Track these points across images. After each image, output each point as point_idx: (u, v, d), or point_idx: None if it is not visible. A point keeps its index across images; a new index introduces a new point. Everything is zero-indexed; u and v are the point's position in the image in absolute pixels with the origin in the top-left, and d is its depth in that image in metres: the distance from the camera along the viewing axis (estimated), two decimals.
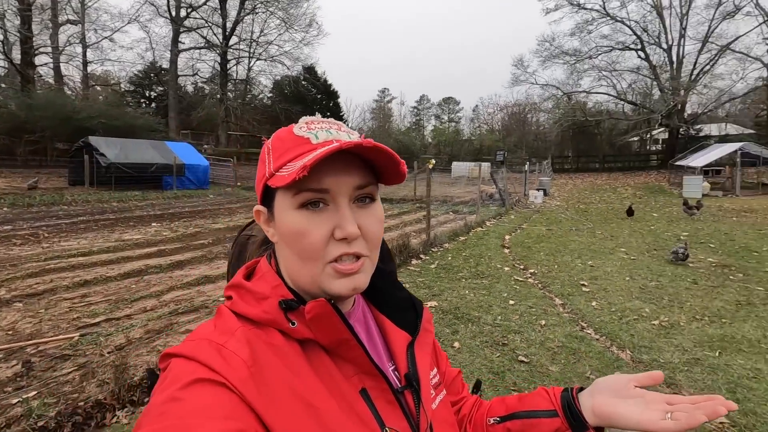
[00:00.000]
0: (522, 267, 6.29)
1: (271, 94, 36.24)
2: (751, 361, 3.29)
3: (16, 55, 23.53)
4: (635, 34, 28.11)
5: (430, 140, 48.94)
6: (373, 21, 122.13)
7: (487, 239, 8.23)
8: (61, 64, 26.64)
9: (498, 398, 0.74)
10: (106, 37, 28.47)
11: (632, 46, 28.59)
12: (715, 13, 25.89)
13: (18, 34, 22.82)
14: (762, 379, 3.03)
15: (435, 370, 0.65)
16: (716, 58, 26.31)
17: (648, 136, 30.79)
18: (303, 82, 35.16)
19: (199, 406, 0.41)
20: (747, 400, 2.76)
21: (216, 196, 15.71)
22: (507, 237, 8.55)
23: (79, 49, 27.81)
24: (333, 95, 35.82)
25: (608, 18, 28.46)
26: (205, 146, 28.08)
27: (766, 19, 24.91)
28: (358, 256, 0.52)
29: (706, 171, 16.91)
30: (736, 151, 16.00)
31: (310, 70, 35.28)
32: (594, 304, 4.65)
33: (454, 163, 27.39)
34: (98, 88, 32.20)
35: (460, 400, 0.74)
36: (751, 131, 25.88)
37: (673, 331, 3.90)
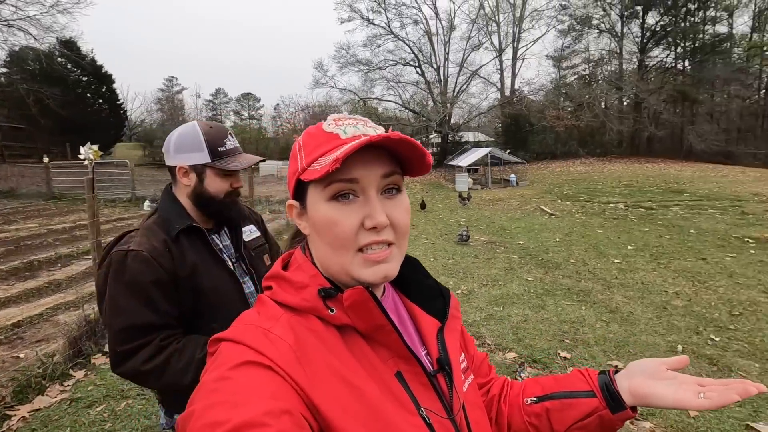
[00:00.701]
0: None
1: (5, 69, 27.49)
2: (521, 310, 4.48)
3: None
4: (413, 52, 33.03)
5: None
6: (164, 4, 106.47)
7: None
8: None
9: (531, 379, 0.76)
10: None
11: (412, 63, 33.49)
12: (466, 44, 32.79)
13: None
14: (529, 321, 4.17)
15: (463, 354, 0.68)
16: (469, 80, 33.40)
17: (427, 140, 36.71)
18: (59, 59, 27.93)
19: (248, 385, 0.44)
20: (524, 338, 3.77)
21: None
22: None
23: None
24: (105, 79, 29.57)
25: (392, 36, 32.56)
26: None
27: (497, 54, 33.04)
28: (387, 244, 0.54)
29: (469, 169, 21.34)
30: (487, 155, 20.79)
31: (69, 45, 28.25)
32: None
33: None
34: None
35: (488, 381, 0.77)
36: (493, 139, 34.02)
37: (471, 297, 4.94)
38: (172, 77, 50.95)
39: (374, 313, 0.54)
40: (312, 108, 41.52)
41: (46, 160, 14.23)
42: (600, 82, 33.47)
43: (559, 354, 3.42)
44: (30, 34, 25.84)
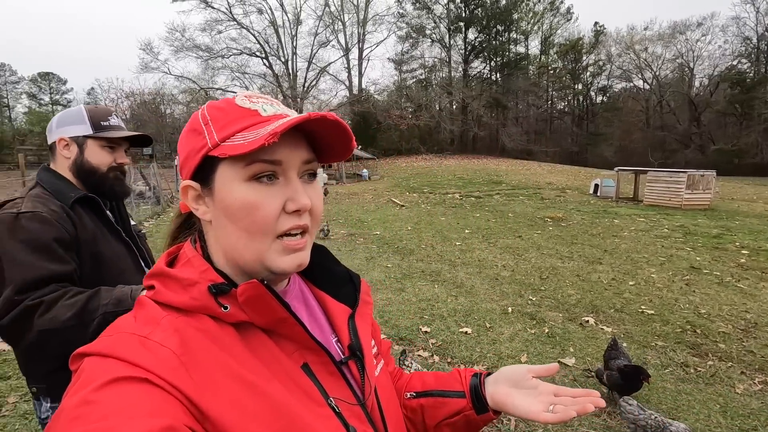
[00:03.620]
0: None
1: None
2: (385, 294, 4.80)
3: None
4: (259, 43, 31.63)
5: (24, 125, 37.00)
6: None
7: (153, 242, 7.43)
8: None
9: (417, 374, 0.79)
10: None
11: (258, 53, 32.05)
12: (314, 40, 32.94)
13: None
14: (393, 303, 4.51)
15: (373, 341, 0.67)
16: (318, 76, 33.69)
17: None
18: None
19: (119, 406, 0.38)
20: (390, 319, 4.06)
21: None
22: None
23: None
24: None
25: (235, 23, 30.55)
26: None
27: (343, 54, 34.06)
28: (305, 231, 0.52)
29: (323, 164, 21.64)
30: None
31: None
32: None
33: None
34: None
35: (393, 372, 0.77)
36: None
37: None
38: None
39: (273, 307, 0.51)
40: (141, 95, 36.16)
41: None
42: (434, 86, 37.63)
43: (420, 329, 3.80)
44: None
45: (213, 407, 0.43)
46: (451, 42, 37.54)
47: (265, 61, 32.31)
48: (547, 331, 3.75)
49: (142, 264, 1.35)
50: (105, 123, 1.28)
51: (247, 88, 32.74)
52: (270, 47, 32.11)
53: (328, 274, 0.67)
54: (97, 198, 1.26)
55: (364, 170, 21.23)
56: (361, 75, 35.54)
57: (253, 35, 31.35)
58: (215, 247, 0.54)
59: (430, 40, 37.38)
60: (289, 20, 32.16)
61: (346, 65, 35.06)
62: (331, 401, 0.53)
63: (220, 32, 30.54)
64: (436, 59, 38.33)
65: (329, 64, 34.02)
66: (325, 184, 17.89)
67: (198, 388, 0.43)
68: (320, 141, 0.55)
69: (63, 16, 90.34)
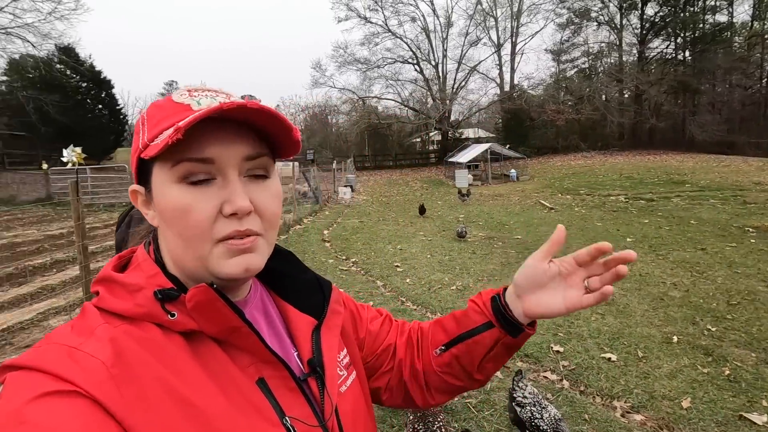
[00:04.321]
0: (344, 257, 6.73)
1: (5, 78, 27.66)
2: None
3: None
4: (411, 50, 32.98)
5: None
6: (164, 8, 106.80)
7: (308, 236, 8.44)
8: None
9: (435, 324, 0.73)
10: None
11: (410, 60, 33.45)
12: (464, 40, 32.72)
13: None
14: None
15: (344, 350, 0.63)
16: (468, 76, 33.33)
17: (427, 137, 36.66)
18: (57, 66, 28.08)
19: (45, 425, 0.35)
20: None
21: None
22: (326, 231, 8.96)
23: None
24: (104, 84, 29.67)
25: (390, 34, 32.51)
26: None
27: (495, 50, 32.93)
28: (248, 235, 0.47)
29: (469, 165, 21.28)
30: (486, 150, 20.72)
31: (67, 52, 28.39)
32: (408, 280, 5.38)
33: None
34: None
35: (389, 347, 0.72)
36: (493, 135, 33.95)
37: (466, 292, 4.89)
38: (172, 81, 51.11)
39: (225, 315, 0.46)
40: (312, 108, 41.55)
41: (45, 166, 14.32)
42: (600, 74, 33.32)
43: (552, 348, 3.37)
44: (28, 41, 26.02)
45: (142, 426, 0.39)
46: (623, 22, 32.67)
47: (416, 66, 33.51)
48: (728, 372, 2.91)
49: None
50: None
51: (399, 94, 34.50)
52: (421, 53, 33.15)
53: (293, 283, 0.62)
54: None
55: (512, 170, 20.11)
56: (513, 70, 33.82)
57: (406, 43, 32.84)
58: (165, 252, 0.51)
59: (596, 24, 33.24)
60: (440, 24, 32.68)
61: (497, 62, 33.84)
62: (286, 421, 0.48)
63: (376, 44, 32.91)
64: (602, 44, 33.92)
65: (479, 62, 33.34)
66: (469, 184, 17.59)
67: (126, 405, 0.39)
68: (267, 133, 0.49)
69: (251, 49, 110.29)
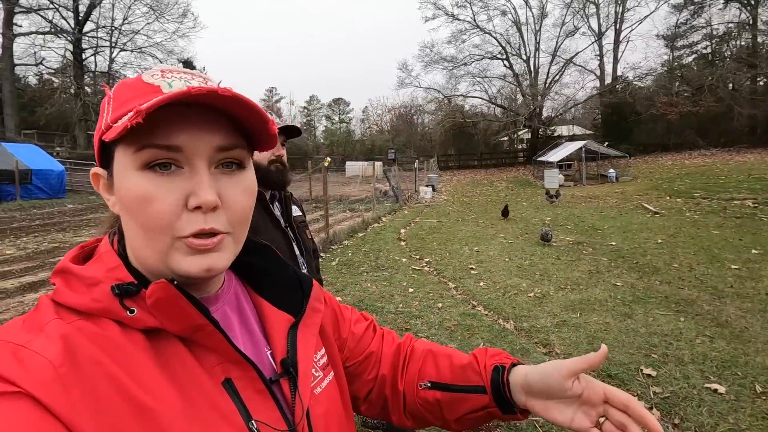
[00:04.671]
0: (418, 257, 6.67)
1: None
2: (602, 317, 3.98)
3: None
4: (501, 45, 31.70)
5: (322, 141, 48.76)
6: (261, 18, 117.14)
7: (385, 234, 8.53)
8: None
9: (428, 353, 0.69)
10: None
11: (499, 55, 32.19)
12: (560, 31, 30.57)
13: None
14: (610, 330, 3.69)
15: (322, 350, 0.60)
16: (563, 69, 31.08)
17: (515, 135, 34.98)
18: None
19: None
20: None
21: (76, 206, 13.55)
22: (402, 230, 8.97)
23: None
24: None
25: (478, 29, 31.61)
26: (58, 148, 24.04)
27: (596, 39, 30.20)
28: (214, 234, 0.44)
29: (560, 165, 19.82)
30: (581, 148, 19.10)
31: (187, 65, 32.39)
32: (482, 284, 5.15)
33: (348, 163, 27.76)
34: None
35: (369, 356, 0.69)
36: (590, 132, 31.18)
37: (545, 300, 4.52)
38: (272, 88, 55.60)
39: (187, 312, 0.44)
40: (397, 109, 42.13)
41: None
42: (727, 60, 28.72)
43: (641, 370, 2.95)
44: (157, 58, 30.20)
45: (88, 430, 0.36)
46: None
47: (505, 62, 32.15)
48: None
49: (296, 251, 1.51)
50: None
51: (486, 91, 33.40)
52: (511, 47, 31.71)
53: (271, 279, 0.58)
54: (263, 192, 1.45)
55: (611, 170, 18.27)
56: (616, 61, 30.71)
57: (495, 38, 31.66)
58: (126, 243, 0.48)
59: (722, 2, 28.74)
60: (533, 15, 30.95)
61: (596, 52, 31.01)
62: (252, 425, 0.45)
63: (463, 41, 32.24)
64: (730, 24, 29.20)
65: (576, 54, 30.86)
66: (560, 185, 16.38)
67: (73, 406, 0.36)
68: (243, 124, 0.46)
69: (341, 53, 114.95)
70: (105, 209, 0.51)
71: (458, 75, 33.05)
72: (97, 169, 0.48)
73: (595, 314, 4.07)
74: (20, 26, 25.62)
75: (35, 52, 27.22)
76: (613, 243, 7.06)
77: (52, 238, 8.12)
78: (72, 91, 27.31)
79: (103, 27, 28.66)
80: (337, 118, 58.36)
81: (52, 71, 29.28)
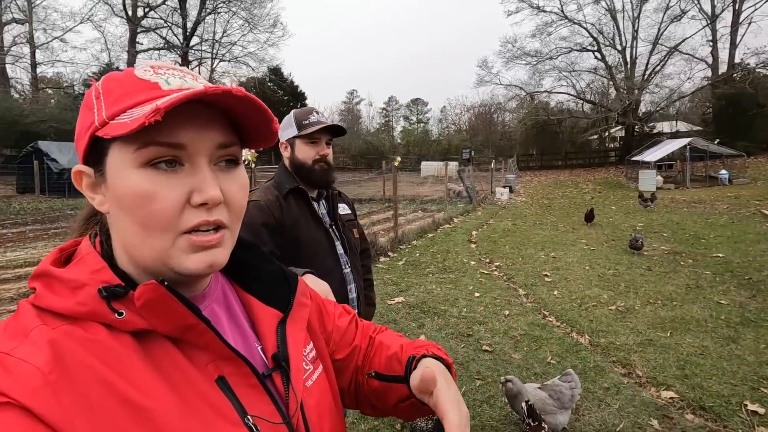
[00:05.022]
0: (488, 260, 6.41)
1: None
2: (699, 339, 3.47)
3: None
4: (591, 36, 29.27)
5: (399, 141, 49.25)
6: (342, 23, 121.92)
7: (455, 235, 8.34)
8: (6, 66, 25.10)
9: (380, 345, 0.69)
10: (56, 38, 27.07)
11: (589, 47, 29.75)
12: (663, 16, 27.37)
13: None
14: (708, 355, 3.20)
15: (311, 344, 0.61)
16: (666, 59, 27.79)
17: (606, 133, 32.15)
18: (269, 84, 34.58)
19: None
20: (695, 375, 2.91)
21: None
22: (474, 232, 8.70)
23: (26, 50, 26.32)
24: (300, 96, 35.36)
25: (566, 20, 29.51)
26: None
27: (709, 22, 26.58)
28: (218, 227, 0.45)
29: (659, 165, 17.79)
30: (685, 147, 16.92)
31: (275, 72, 34.74)
32: (555, 293, 4.79)
33: (423, 163, 27.63)
34: (49, 90, 30.48)
35: (352, 350, 0.69)
36: (699, 128, 27.51)
37: (629, 315, 4.07)
38: (353, 90, 57.41)
39: (178, 312, 0.43)
40: (476, 107, 41.11)
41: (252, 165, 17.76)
42: None
43: (745, 406, 2.51)
44: (250, 66, 32.84)
45: None
46: None
47: (596, 53, 29.63)
48: None
49: (339, 249, 1.50)
50: (306, 122, 1.44)
51: (574, 86, 31.17)
52: (604, 37, 29.13)
53: (257, 275, 0.59)
54: (305, 189, 1.47)
55: (723, 171, 15.96)
56: (734, 46, 26.67)
57: (585, 29, 29.33)
58: (117, 242, 0.47)
59: None
60: (631, 1, 28.11)
61: (708, 38, 27.22)
62: (248, 420, 0.46)
63: (549, 34, 30.27)
64: None
65: (683, 40, 27.35)
66: (657, 188, 14.72)
67: (66, 413, 0.36)
68: (243, 123, 0.47)
69: (418, 54, 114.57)
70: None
71: (543, 70, 31.15)
72: (82, 167, 0.47)
73: (690, 335, 3.57)
74: (141, 44, 29.45)
75: None
76: (720, 255, 6.15)
77: None
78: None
79: (206, 40, 31.82)
80: (414, 119, 58.52)
81: None
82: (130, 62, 28.66)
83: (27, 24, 25.54)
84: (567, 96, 32.10)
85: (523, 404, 2.02)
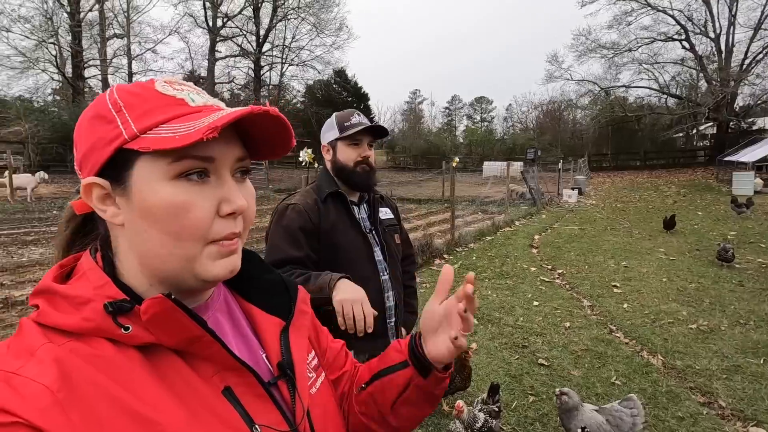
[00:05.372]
0: (550, 267, 6.05)
1: (303, 99, 36.99)
2: None
3: (68, 69, 25.27)
4: (679, 23, 26.57)
5: (461, 140, 48.36)
6: (404, 23, 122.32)
7: (515, 239, 7.98)
8: (108, 76, 28.23)
9: (366, 364, 0.71)
10: (149, 49, 29.95)
11: (676, 36, 27.04)
12: None
13: (70, 49, 24.51)
14: None
15: (313, 352, 0.62)
16: None
17: (694, 131, 29.07)
18: (334, 86, 35.64)
19: None
20: None
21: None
22: (536, 237, 8.27)
23: (124, 61, 29.39)
24: (363, 97, 36.03)
25: (649, 8, 27.05)
26: None
27: None
28: (237, 236, 0.49)
29: (759, 166, 15.74)
30: None
31: (340, 74, 35.71)
32: (625, 306, 4.40)
33: (486, 163, 26.85)
34: None
35: (341, 375, 0.69)
36: None
37: (713, 336, 3.62)
38: (416, 90, 57.45)
39: (184, 324, 0.44)
40: (544, 105, 39.22)
41: (315, 165, 18.41)
42: None
43: None
44: (316, 69, 34.06)
45: None
46: None
47: (684, 43, 26.87)
48: None
49: (378, 256, 1.47)
50: (347, 123, 1.43)
51: (656, 80, 28.55)
52: (694, 24, 26.30)
53: (257, 284, 0.60)
54: (344, 194, 1.45)
55: None
56: None
57: (671, 16, 26.69)
58: (127, 255, 0.47)
59: None
60: None
61: None
62: (256, 429, 0.47)
63: (629, 24, 27.91)
64: None
65: None
66: (755, 191, 13.00)
67: (76, 430, 0.36)
68: (255, 137, 0.50)
69: (485, 54, 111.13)
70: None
71: (620, 63, 28.83)
72: (95, 179, 0.46)
73: None
74: (219, 51, 31.73)
75: (228, 72, 33.46)
76: None
77: None
78: (252, 102, 32.69)
79: (277, 46, 33.51)
80: (478, 117, 57.15)
81: (239, 87, 35.52)
82: (210, 69, 30.99)
83: (125, 38, 28.57)
84: (648, 90, 29.50)
85: (579, 430, 1.86)
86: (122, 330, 0.42)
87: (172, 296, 0.43)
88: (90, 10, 25.55)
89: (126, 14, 27.80)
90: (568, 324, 3.92)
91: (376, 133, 1.48)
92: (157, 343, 0.44)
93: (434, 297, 0.61)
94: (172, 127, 0.43)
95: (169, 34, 30.36)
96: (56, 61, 24.64)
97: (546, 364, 3.18)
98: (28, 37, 23.74)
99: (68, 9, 24.14)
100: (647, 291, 4.84)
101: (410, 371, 0.62)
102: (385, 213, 1.60)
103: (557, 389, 2.16)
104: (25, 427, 0.34)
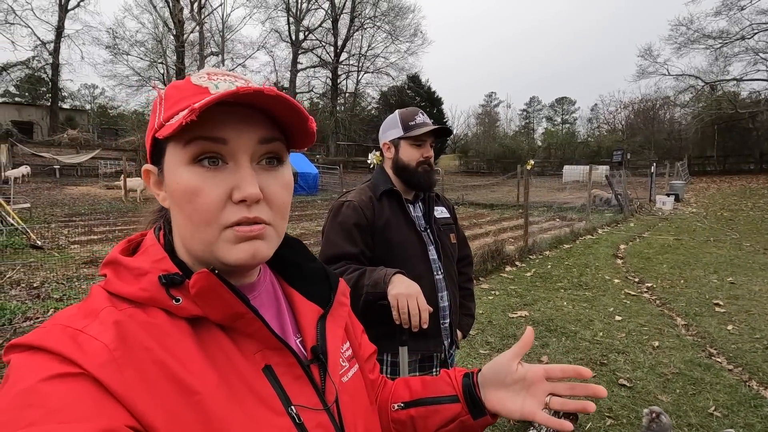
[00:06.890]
0: (637, 280, 5.49)
1: (378, 105, 37.82)
2: None
3: None
4: None
5: (539, 143, 46.05)
6: (479, 26, 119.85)
7: (597, 248, 7.37)
8: None
9: (402, 380, 0.72)
10: (239, 64, 32.74)
11: None
12: None
13: (175, 67, 27.65)
14: None
15: (347, 343, 0.63)
16: None
17: None
18: (407, 91, 35.93)
19: (56, 408, 0.35)
20: None
21: (323, 201, 16.85)
22: (622, 246, 7.57)
23: None
24: (437, 102, 35.82)
25: None
26: (317, 156, 30.48)
27: None
28: (257, 222, 0.47)
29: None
30: None
31: (414, 79, 35.92)
32: (730, 327, 3.84)
33: (566, 167, 25.24)
34: None
35: (372, 382, 0.69)
36: None
37: None
38: (492, 92, 55.93)
39: (228, 300, 0.46)
40: (636, 104, 35.95)
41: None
42: None
43: None
44: (390, 76, 34.69)
45: (143, 409, 0.39)
46: None
47: None
48: None
49: (432, 254, 1.45)
50: (412, 123, 1.42)
51: None
52: None
53: (301, 271, 0.61)
54: (399, 192, 1.45)
55: None
56: None
57: None
58: (176, 235, 0.52)
59: None
60: None
61: None
62: (291, 410, 0.48)
63: (742, 9, 24.61)
64: None
65: None
66: None
67: (129, 387, 0.39)
68: (283, 124, 0.49)
69: (570, 52, 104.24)
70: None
71: (730, 54, 25.51)
72: (148, 166, 0.52)
73: None
74: (301, 63, 33.70)
75: (308, 82, 35.36)
76: None
77: (302, 226, 10.34)
78: (329, 110, 34.14)
79: (353, 55, 34.75)
80: (559, 119, 54.00)
81: (318, 96, 37.35)
82: (292, 80, 33.00)
83: (220, 55, 31.53)
84: (766, 83, 25.67)
85: None
86: (174, 301, 0.46)
87: (216, 271, 0.45)
88: (192, 32, 28.62)
89: (221, 33, 30.71)
90: (656, 343, 3.52)
91: (438, 133, 1.45)
92: (205, 317, 0.46)
93: (510, 354, 0.62)
94: (181, 114, 0.45)
95: (257, 50, 32.94)
96: (164, 79, 27.94)
97: (628, 385, 2.88)
98: (142, 59, 27.33)
99: (174, 32, 27.31)
100: (759, 312, 4.18)
101: (459, 407, 0.64)
102: (440, 212, 1.58)
103: (647, 408, 1.94)
104: (88, 378, 0.38)
